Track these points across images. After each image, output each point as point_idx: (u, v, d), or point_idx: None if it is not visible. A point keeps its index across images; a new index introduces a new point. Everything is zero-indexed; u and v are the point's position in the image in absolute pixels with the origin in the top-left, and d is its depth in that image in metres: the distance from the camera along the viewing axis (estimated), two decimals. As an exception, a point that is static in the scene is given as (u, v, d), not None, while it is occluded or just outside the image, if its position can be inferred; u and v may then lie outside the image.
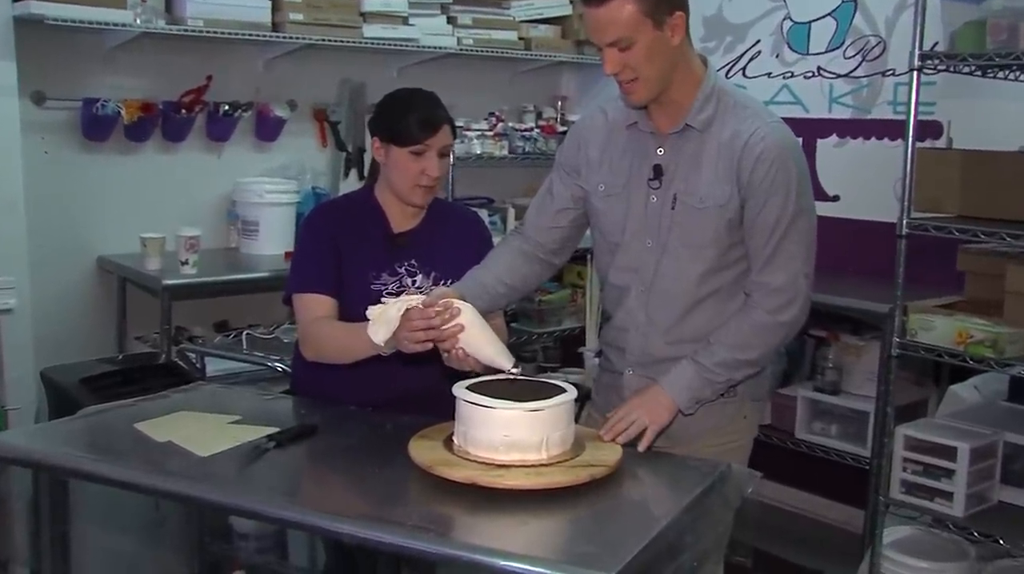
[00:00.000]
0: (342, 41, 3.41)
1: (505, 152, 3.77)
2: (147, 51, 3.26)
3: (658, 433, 1.82)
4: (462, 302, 1.82)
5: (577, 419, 1.79)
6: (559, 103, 4.18)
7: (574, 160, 1.98)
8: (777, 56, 3.61)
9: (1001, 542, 2.42)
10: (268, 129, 3.57)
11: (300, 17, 3.30)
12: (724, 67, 3.69)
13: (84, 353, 3.06)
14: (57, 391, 2.73)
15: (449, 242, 2.17)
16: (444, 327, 1.78)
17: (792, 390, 3.28)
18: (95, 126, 3.19)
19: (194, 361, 3.02)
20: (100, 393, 2.56)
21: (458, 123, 3.61)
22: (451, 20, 3.72)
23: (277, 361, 2.80)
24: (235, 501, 1.65)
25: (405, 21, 3.55)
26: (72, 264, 3.25)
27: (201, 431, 1.84)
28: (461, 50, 3.71)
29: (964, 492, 2.47)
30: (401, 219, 2.16)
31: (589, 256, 3.05)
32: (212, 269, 3.20)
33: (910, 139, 2.51)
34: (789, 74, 3.57)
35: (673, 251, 1.86)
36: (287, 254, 3.09)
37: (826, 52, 3.46)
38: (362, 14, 3.46)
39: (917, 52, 2.49)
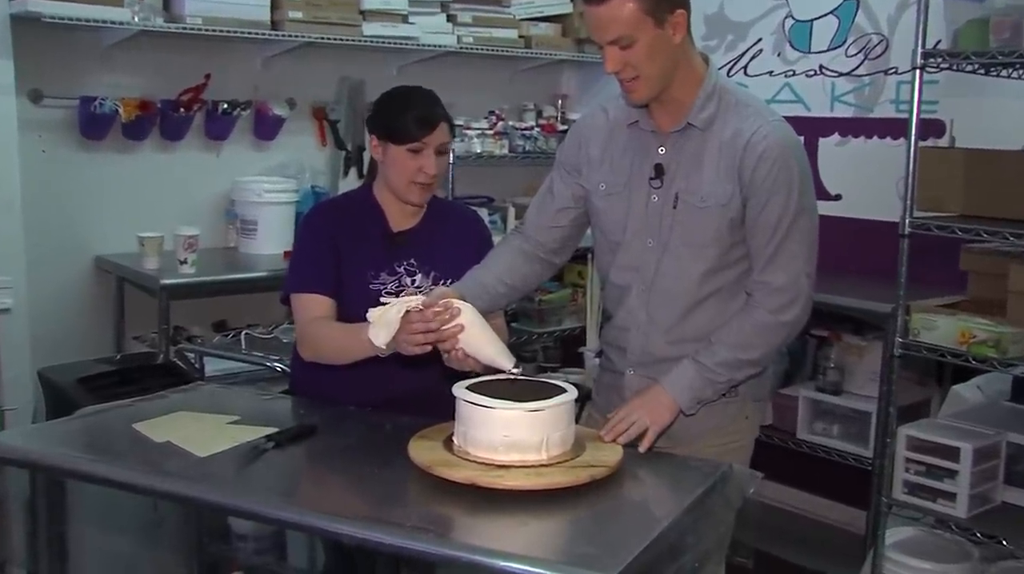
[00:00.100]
0: (341, 39, 3.41)
1: (505, 151, 3.76)
2: (145, 49, 3.25)
3: (659, 434, 1.82)
4: (462, 302, 1.81)
5: (577, 419, 1.78)
6: (559, 102, 4.18)
7: (575, 159, 1.97)
8: (779, 54, 3.60)
9: (1004, 543, 2.41)
10: (267, 128, 3.56)
11: (299, 15, 3.29)
12: (725, 65, 3.68)
13: (81, 353, 3.05)
14: (54, 391, 2.73)
15: (449, 241, 2.17)
16: (444, 328, 1.77)
17: (794, 390, 3.27)
18: (93, 125, 3.18)
19: (192, 361, 3.00)
20: (98, 393, 2.56)
21: (458, 122, 3.65)
22: (451, 18, 3.71)
23: (276, 361, 2.79)
24: (234, 502, 1.65)
25: (405, 19, 3.54)
26: (69, 263, 3.24)
27: (200, 431, 1.84)
28: (461, 48, 3.70)
29: (967, 493, 2.47)
30: (400, 218, 2.15)
31: (590, 255, 3.05)
32: (211, 268, 3.19)
33: (913, 138, 2.51)
34: (791, 72, 3.56)
35: (674, 250, 1.86)
36: (286, 253, 3.08)
37: (828, 50, 3.46)
38: (362, 12, 3.45)
39: (920, 50, 2.48)
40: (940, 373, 3.11)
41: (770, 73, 3.62)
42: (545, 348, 4.00)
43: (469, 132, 3.67)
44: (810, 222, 1.83)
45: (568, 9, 3.99)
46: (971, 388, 2.88)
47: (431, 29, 3.62)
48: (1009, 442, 2.54)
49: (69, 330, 3.21)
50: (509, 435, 1.62)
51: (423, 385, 1.98)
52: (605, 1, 1.70)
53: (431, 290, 2.03)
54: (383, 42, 3.50)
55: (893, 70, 3.29)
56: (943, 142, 3.02)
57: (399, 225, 2.15)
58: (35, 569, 1.94)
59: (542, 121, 3.96)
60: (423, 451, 1.66)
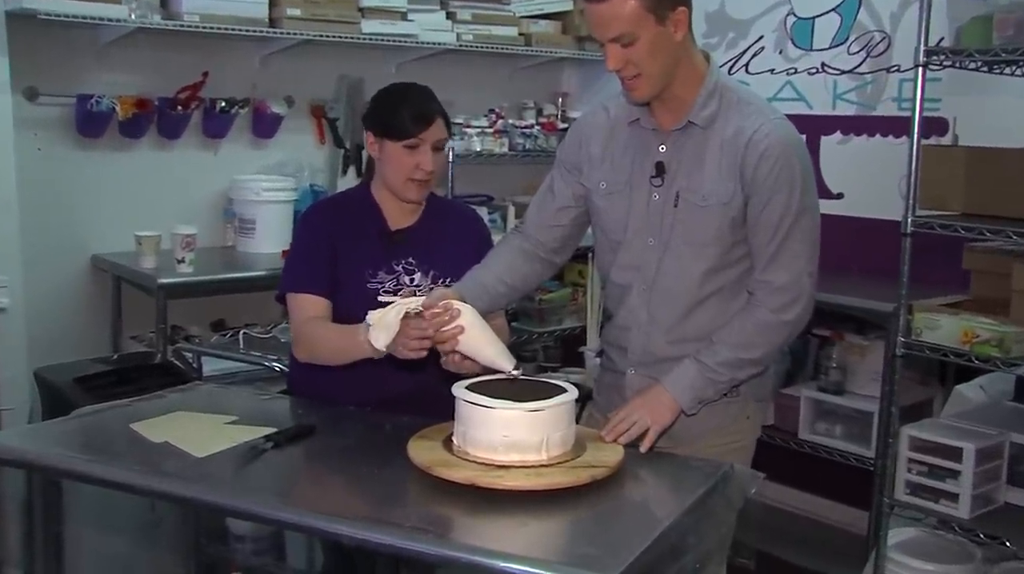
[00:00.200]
0: (340, 37, 3.40)
1: (505, 149, 3.75)
2: (142, 47, 3.24)
3: (660, 434, 1.81)
4: (462, 303, 1.81)
5: (577, 419, 1.78)
6: (560, 100, 4.17)
7: (575, 158, 1.97)
8: (780, 52, 3.59)
9: (1007, 544, 2.41)
10: (265, 126, 3.55)
11: (298, 13, 3.29)
12: (727, 63, 3.67)
13: (78, 352, 3.04)
14: (51, 391, 2.73)
15: (448, 240, 2.16)
16: (444, 329, 1.77)
17: (795, 390, 3.26)
18: (89, 123, 3.17)
19: (190, 361, 3.00)
20: (95, 393, 2.56)
21: (458, 120, 3.65)
22: (450, 16, 3.70)
23: (274, 361, 2.79)
24: (232, 502, 1.64)
25: (404, 17, 3.54)
26: (66, 262, 3.23)
27: (197, 431, 1.83)
28: (460, 46, 3.70)
29: (970, 493, 2.46)
30: (398, 216, 2.14)
31: (590, 254, 3.05)
32: (208, 267, 3.18)
33: (915, 136, 2.51)
34: (793, 70, 3.55)
35: (675, 249, 1.85)
36: (284, 252, 3.05)
37: (830, 48, 3.44)
38: (360, 9, 3.44)
39: (922, 48, 2.47)
40: (943, 373, 3.11)
41: (771, 71, 3.60)
42: (545, 348, 3.99)
43: (469, 130, 3.66)
44: (812, 221, 1.82)
45: (568, 6, 3.98)
46: (974, 388, 2.88)
47: (430, 26, 3.61)
48: (1012, 442, 2.54)
49: (66, 329, 3.20)
50: (509, 435, 1.62)
51: (422, 385, 1.97)
52: (606, -2, 1.70)
53: (430, 289, 2.05)
54: (382, 40, 3.49)
55: (895, 68, 3.28)
56: (946, 140, 3.02)
57: (397, 223, 2.14)
58: (31, 570, 1.93)
59: (542, 119, 3.96)
60: (422, 451, 1.66)
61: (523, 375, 1.79)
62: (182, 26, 3.09)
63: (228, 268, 3.27)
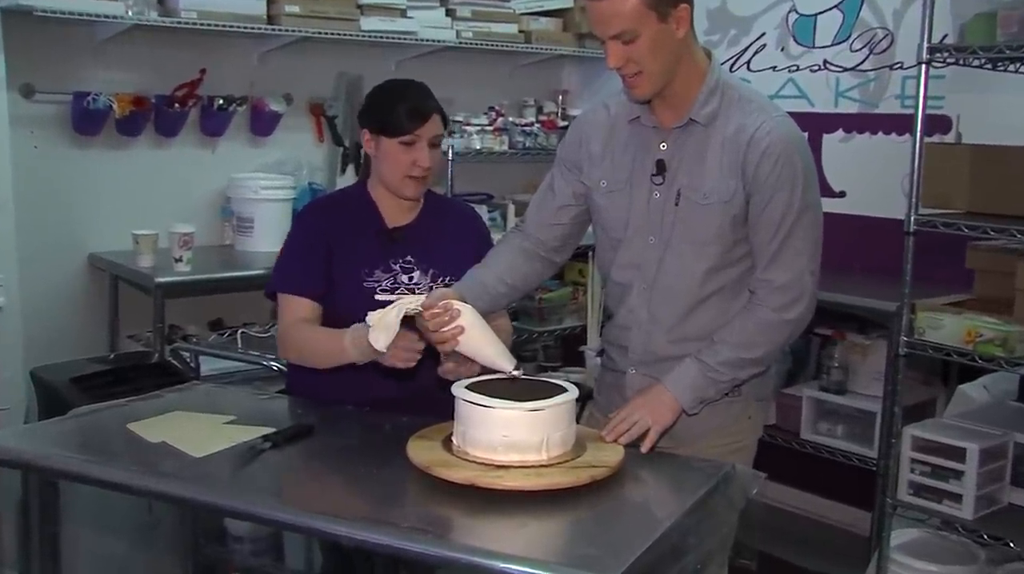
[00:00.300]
0: (339, 34, 3.38)
1: (505, 147, 3.75)
2: (139, 44, 3.22)
3: (661, 434, 1.81)
4: (462, 303, 1.81)
5: (578, 419, 1.77)
6: (560, 97, 4.16)
7: (575, 156, 1.96)
8: (782, 49, 3.58)
9: (1011, 545, 2.40)
10: (263, 124, 3.54)
11: (296, 9, 3.28)
12: (728, 61, 3.66)
13: (75, 352, 3.03)
14: (47, 391, 2.72)
15: (448, 238, 2.15)
16: (444, 329, 1.77)
17: (797, 390, 3.26)
18: (86, 120, 3.16)
19: (188, 360, 3.00)
20: (91, 393, 2.55)
21: (457, 118, 3.64)
22: (450, 13, 3.69)
23: (273, 360, 2.79)
24: (230, 503, 1.64)
25: (403, 14, 3.53)
26: (63, 261, 3.22)
27: (195, 431, 1.83)
28: (460, 43, 3.68)
29: (973, 494, 2.45)
30: (396, 214, 2.14)
31: (591, 253, 3.04)
32: (206, 266, 3.17)
33: (918, 134, 2.50)
34: (794, 68, 3.54)
35: (676, 248, 1.85)
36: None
37: (832, 45, 3.43)
38: (359, 6, 3.43)
39: (926, 45, 2.47)
40: (946, 372, 3.10)
41: (773, 68, 3.59)
42: (546, 347, 3.98)
43: (468, 128, 3.65)
44: (814, 219, 1.82)
45: (569, 3, 3.98)
46: (977, 388, 2.87)
47: (430, 24, 3.60)
48: (1016, 443, 2.53)
49: (62, 329, 3.19)
50: (509, 435, 1.61)
51: (421, 384, 1.97)
52: (608, -4, 1.70)
53: (429, 288, 2.05)
54: (381, 37, 3.48)
55: (898, 65, 3.27)
56: (949, 138, 3.01)
57: (395, 221, 2.13)
58: (28, 571, 1.92)
59: (542, 117, 3.95)
60: (422, 451, 1.66)
61: (523, 375, 1.78)
62: (179, 23, 3.08)
63: (226, 267, 3.26)
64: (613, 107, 1.92)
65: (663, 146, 1.84)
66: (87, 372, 2.73)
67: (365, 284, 2.05)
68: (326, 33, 3.35)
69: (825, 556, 3.23)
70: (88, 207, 3.23)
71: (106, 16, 2.96)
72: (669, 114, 1.83)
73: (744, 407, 1.92)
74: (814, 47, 3.48)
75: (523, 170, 4.01)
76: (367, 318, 1.81)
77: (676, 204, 1.83)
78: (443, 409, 1.74)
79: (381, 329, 1.79)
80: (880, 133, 3.33)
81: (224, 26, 3.13)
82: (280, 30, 3.28)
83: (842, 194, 3.39)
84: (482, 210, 3.54)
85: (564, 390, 1.69)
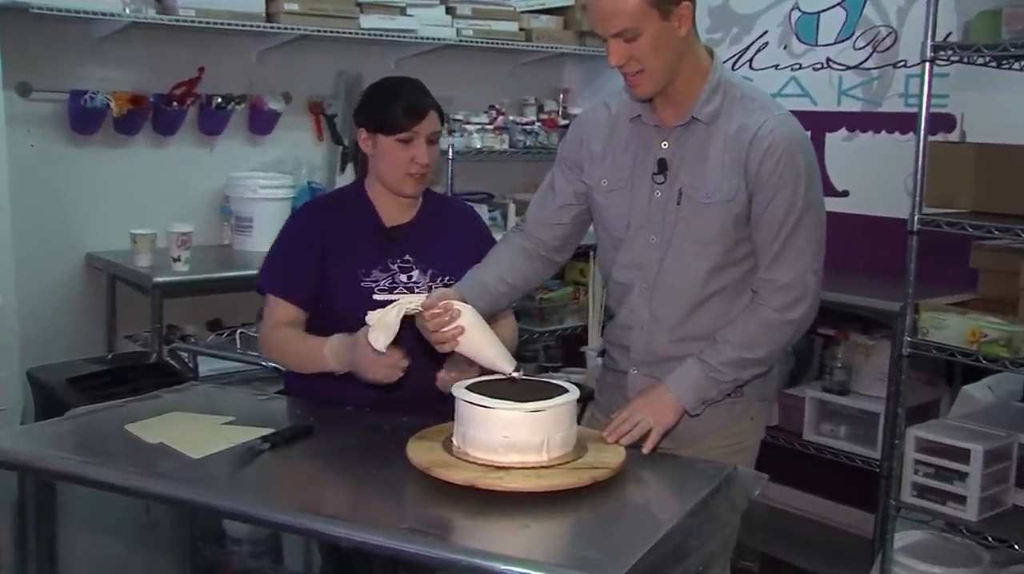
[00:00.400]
0: (338, 32, 3.37)
1: (506, 146, 3.74)
2: (137, 42, 3.21)
3: (663, 434, 1.80)
4: (462, 303, 1.80)
5: (579, 420, 1.76)
6: (561, 96, 4.15)
7: (576, 155, 1.96)
8: (785, 47, 3.57)
9: (1016, 547, 2.39)
10: (262, 122, 3.53)
11: (295, 7, 3.26)
12: (730, 59, 3.66)
13: (72, 352, 3.03)
14: (44, 391, 2.71)
15: (448, 237, 2.14)
16: (444, 329, 1.76)
17: (800, 390, 3.25)
18: (83, 119, 3.15)
19: (186, 360, 2.99)
20: (89, 393, 2.55)
21: (457, 116, 3.63)
22: (450, 10, 3.67)
23: (271, 360, 2.75)
24: (228, 504, 1.63)
25: (403, 11, 3.51)
26: (60, 261, 3.21)
27: (193, 432, 1.82)
28: (460, 41, 3.68)
29: (978, 495, 2.45)
30: (394, 212, 2.13)
31: (592, 253, 3.03)
32: (204, 266, 3.16)
33: (922, 132, 2.49)
34: (797, 66, 3.54)
35: (678, 247, 1.84)
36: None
37: (835, 43, 3.43)
38: (359, 4, 3.42)
39: (929, 43, 2.46)
40: (950, 373, 3.10)
41: (776, 66, 3.59)
42: (546, 347, 3.98)
43: (469, 127, 3.65)
44: (817, 218, 1.81)
45: (570, 1, 3.96)
46: (982, 388, 2.86)
47: (430, 21, 3.59)
48: (1021, 444, 2.52)
49: (59, 329, 3.18)
50: (509, 436, 1.60)
51: (421, 384, 1.95)
52: (609, -7, 1.69)
53: (428, 287, 2.04)
54: (381, 35, 3.47)
55: (902, 63, 3.26)
56: (953, 137, 3.01)
57: (393, 220, 2.12)
58: (24, 573, 1.92)
59: (543, 116, 3.95)
60: (422, 452, 1.65)
61: (523, 376, 1.77)
62: (177, 21, 3.07)
63: (224, 267, 3.24)
64: (614, 106, 1.91)
65: (664, 145, 1.84)
66: (84, 372, 2.72)
67: (362, 284, 2.04)
68: (325, 31, 3.34)
69: (828, 558, 3.23)
70: (85, 206, 3.22)
71: (103, 13, 2.96)
72: (671, 112, 1.83)
73: (746, 408, 1.91)
74: (817, 45, 3.48)
75: (524, 169, 4.00)
76: (367, 318, 1.80)
77: (678, 203, 1.82)
78: (443, 410, 1.73)
79: (381, 329, 1.78)
80: (883, 132, 3.32)
81: (223, 24, 3.12)
82: (279, 28, 3.28)
83: (845, 193, 3.38)
84: (482, 209, 3.53)
85: (565, 391, 1.68)
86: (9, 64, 2.87)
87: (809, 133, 1.89)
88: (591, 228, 2.02)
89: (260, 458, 1.71)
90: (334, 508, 1.59)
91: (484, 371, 1.80)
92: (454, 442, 1.66)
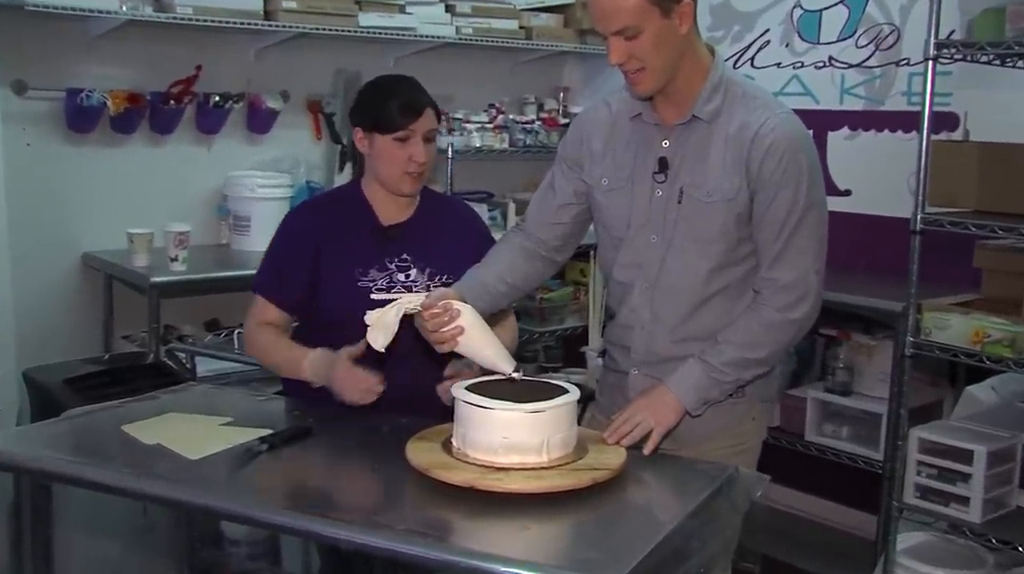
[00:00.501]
0: (337, 30, 3.37)
1: (505, 145, 3.73)
2: (134, 39, 3.20)
3: (664, 435, 1.80)
4: (462, 303, 1.79)
5: (579, 421, 1.76)
6: (561, 94, 4.15)
7: (576, 153, 1.95)
8: (787, 45, 3.56)
9: (1020, 549, 2.40)
10: (260, 121, 3.52)
11: (293, 5, 3.25)
12: (732, 57, 3.65)
13: (68, 353, 3.02)
14: (40, 392, 2.71)
15: (448, 236, 2.14)
16: (444, 329, 1.76)
17: (802, 391, 3.24)
18: (80, 117, 3.14)
19: (184, 361, 3.00)
20: (85, 394, 2.55)
21: (457, 115, 3.62)
22: (449, 8, 3.67)
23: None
24: (226, 505, 1.63)
25: (402, 9, 3.51)
26: (56, 261, 3.20)
27: (191, 433, 1.82)
28: (460, 39, 3.67)
29: (981, 497, 2.44)
30: (391, 211, 2.12)
31: (592, 252, 3.03)
32: (202, 266, 3.15)
33: (925, 131, 2.48)
34: (799, 64, 3.53)
35: (679, 246, 1.83)
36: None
37: (838, 41, 3.42)
38: (357, 2, 3.41)
39: (933, 41, 2.45)
40: (953, 373, 3.08)
41: (778, 65, 3.58)
42: (547, 348, 3.97)
43: (468, 126, 3.65)
44: (819, 217, 1.81)
45: (570, -1, 3.96)
46: (985, 389, 2.85)
47: (429, 19, 3.59)
48: (1025, 445, 2.52)
49: (56, 329, 3.17)
50: (509, 437, 1.60)
51: (420, 383, 1.95)
52: (610, -10, 1.68)
53: (427, 286, 2.04)
54: (380, 33, 3.46)
55: (905, 61, 3.25)
56: (956, 135, 3.01)
57: (390, 219, 2.12)
58: (19, 575, 1.91)
59: (543, 114, 3.95)
60: (421, 453, 1.64)
61: (523, 376, 1.76)
62: (174, 18, 3.06)
63: (222, 266, 3.24)
64: (615, 104, 1.91)
65: (665, 143, 1.83)
66: (81, 373, 2.73)
67: (360, 284, 2.03)
68: (324, 29, 3.33)
69: (830, 560, 3.22)
70: (82, 205, 3.21)
71: (100, 11, 2.95)
72: (671, 111, 1.82)
73: (748, 408, 1.91)
74: (819, 43, 3.47)
75: (524, 168, 3.99)
76: (365, 317, 1.79)
77: (679, 202, 1.81)
78: (443, 410, 1.73)
79: (380, 328, 1.77)
80: (886, 130, 3.31)
81: (220, 22, 3.11)
82: (277, 26, 3.27)
83: (847, 192, 3.37)
84: (482, 209, 3.52)
85: (565, 391, 1.68)
86: (5, 62, 2.89)
87: (811, 132, 1.88)
88: (591, 227, 2.01)
89: (258, 459, 1.71)
90: (333, 509, 1.58)
91: (484, 371, 1.79)
92: (453, 443, 1.66)
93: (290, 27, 3.28)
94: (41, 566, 1.86)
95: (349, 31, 3.38)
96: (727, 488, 1.68)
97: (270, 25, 3.25)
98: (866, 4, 3.33)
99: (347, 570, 2.10)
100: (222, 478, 1.65)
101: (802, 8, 3.51)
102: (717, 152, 1.78)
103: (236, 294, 3.33)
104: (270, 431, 1.80)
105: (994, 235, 2.44)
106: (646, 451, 1.75)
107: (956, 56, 2.47)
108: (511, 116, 3.80)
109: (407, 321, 1.79)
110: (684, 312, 1.85)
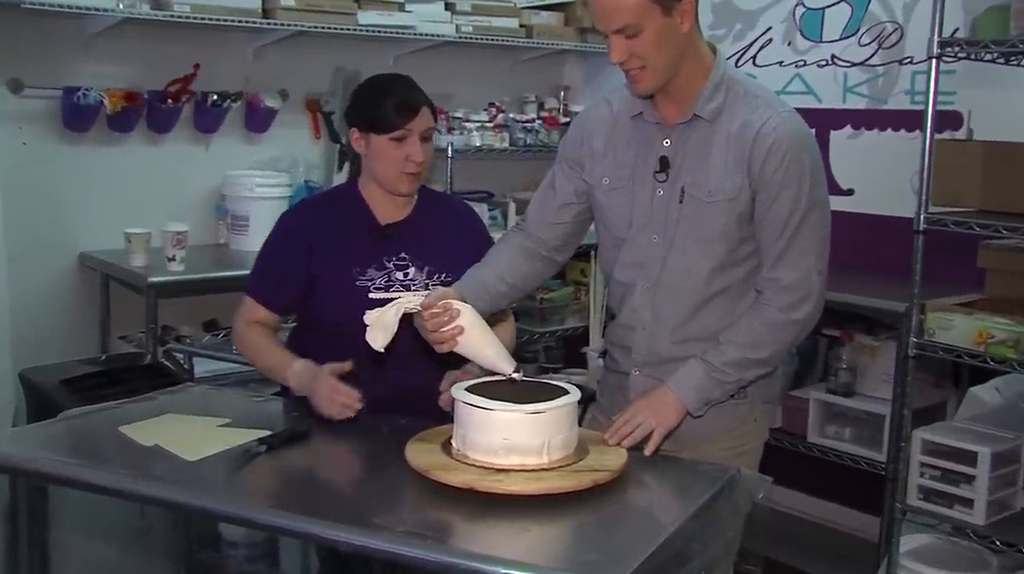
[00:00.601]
0: (336, 28, 3.36)
1: (506, 144, 3.72)
2: (131, 38, 3.20)
3: (665, 436, 1.79)
4: (462, 303, 1.79)
5: (580, 422, 1.75)
6: (562, 93, 4.14)
7: (577, 153, 1.94)
8: (789, 44, 3.56)
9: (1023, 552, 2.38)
10: (258, 120, 3.52)
11: (292, 3, 3.24)
12: (733, 56, 3.65)
13: (65, 353, 3.02)
14: (36, 393, 2.71)
15: (447, 234, 2.13)
16: (443, 329, 1.75)
17: (804, 392, 3.23)
18: (76, 116, 3.13)
19: (181, 361, 3.00)
20: (82, 395, 2.55)
21: (457, 114, 3.62)
22: (449, 6, 3.67)
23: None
24: (224, 507, 1.63)
25: (401, 7, 3.50)
26: (53, 260, 3.19)
27: (189, 434, 1.82)
28: (460, 38, 3.67)
29: (985, 499, 2.44)
30: (388, 210, 2.12)
31: (593, 252, 3.02)
32: (200, 266, 3.14)
33: (928, 130, 2.48)
34: (802, 63, 3.52)
35: (681, 246, 1.82)
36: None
37: (840, 39, 3.41)
38: (357, 0, 3.41)
39: (936, 39, 2.45)
40: (956, 374, 3.08)
41: (780, 63, 3.57)
42: (547, 348, 3.97)
43: (468, 125, 3.63)
44: (822, 217, 1.80)
45: (571, -3, 3.96)
46: (989, 390, 2.84)
47: (429, 18, 3.58)
48: (1029, 446, 2.52)
49: (52, 329, 3.16)
50: (509, 438, 1.60)
51: (419, 383, 1.95)
52: (610, -12, 1.68)
53: (426, 285, 2.04)
54: (379, 31, 3.45)
55: (908, 60, 3.24)
56: (960, 134, 3.00)
57: (387, 218, 2.11)
58: (16, 577, 1.92)
59: (544, 113, 3.94)
60: (420, 454, 1.64)
61: (523, 377, 1.76)
62: (172, 17, 3.05)
63: (220, 266, 3.23)
64: (615, 103, 1.90)
65: (666, 142, 1.82)
66: (78, 374, 2.73)
67: (358, 283, 2.03)
68: (323, 27, 3.33)
69: (832, 562, 3.22)
70: (79, 205, 3.20)
71: (97, 9, 2.94)
72: (673, 110, 1.81)
73: (750, 409, 1.90)
74: (821, 42, 3.46)
75: (524, 167, 3.99)
76: (364, 317, 1.78)
77: (680, 201, 1.81)
78: (442, 411, 1.73)
79: (379, 328, 1.76)
80: (889, 130, 3.30)
81: (218, 20, 3.10)
82: (276, 24, 3.26)
83: (850, 192, 3.37)
84: (482, 208, 3.51)
85: (566, 392, 1.67)
86: (1, 60, 2.88)
87: (813, 131, 1.86)
88: (592, 227, 2.00)
89: (256, 460, 1.71)
90: (331, 511, 1.57)
91: (483, 372, 1.78)
92: (453, 444, 1.66)
93: (289, 25, 3.27)
94: (37, 568, 1.86)
95: (348, 29, 3.38)
96: (729, 490, 1.67)
97: (268, 23, 3.24)
98: (869, 2, 3.32)
99: (346, 572, 2.09)
100: (220, 479, 1.65)
101: (804, 6, 3.50)
102: (719, 151, 1.78)
103: (234, 294, 3.30)
104: (268, 432, 1.79)
105: (998, 235, 2.44)
106: (647, 452, 1.75)
107: (960, 54, 2.47)
108: (511, 115, 3.79)
109: (406, 321, 1.78)
110: (686, 312, 1.84)
